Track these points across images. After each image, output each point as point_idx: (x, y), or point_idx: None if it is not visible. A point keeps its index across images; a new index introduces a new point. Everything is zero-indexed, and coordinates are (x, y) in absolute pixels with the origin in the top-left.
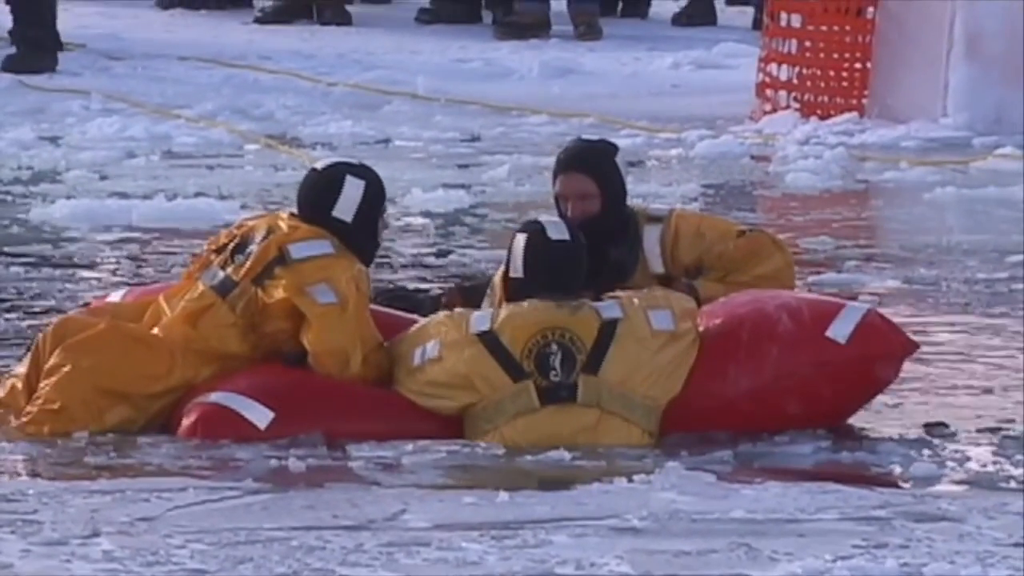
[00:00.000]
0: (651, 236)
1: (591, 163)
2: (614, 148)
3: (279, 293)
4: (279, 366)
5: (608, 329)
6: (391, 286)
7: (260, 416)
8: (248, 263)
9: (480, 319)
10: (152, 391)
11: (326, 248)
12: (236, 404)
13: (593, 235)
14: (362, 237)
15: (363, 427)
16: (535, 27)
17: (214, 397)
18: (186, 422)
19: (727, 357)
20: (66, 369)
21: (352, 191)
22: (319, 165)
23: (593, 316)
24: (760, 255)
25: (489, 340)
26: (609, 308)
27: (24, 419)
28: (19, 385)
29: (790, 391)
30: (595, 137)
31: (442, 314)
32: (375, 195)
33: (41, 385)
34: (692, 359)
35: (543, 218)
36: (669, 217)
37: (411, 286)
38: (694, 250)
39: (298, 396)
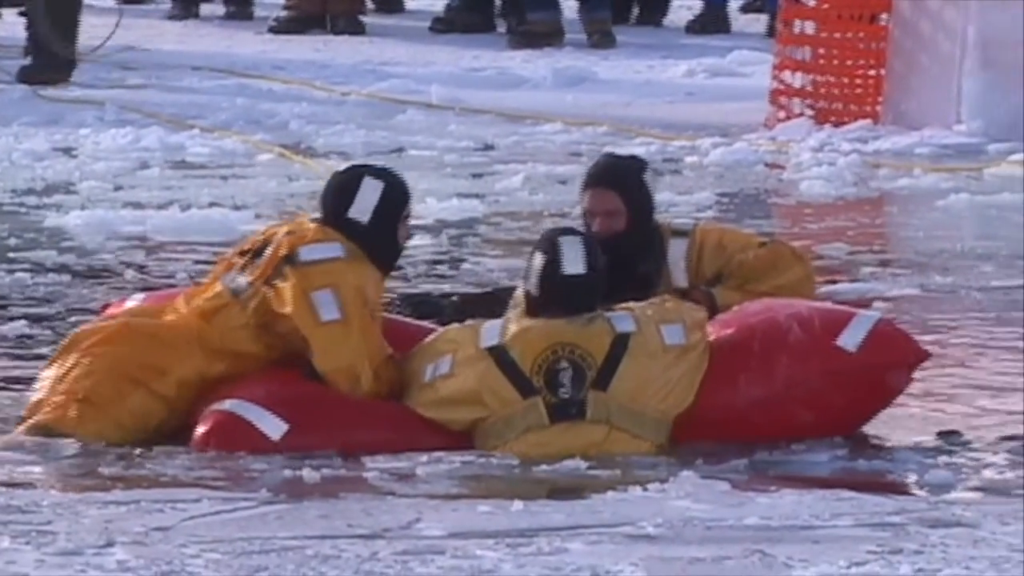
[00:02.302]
0: (676, 251)
1: (619, 180)
2: (642, 164)
3: (286, 296)
4: (298, 375)
5: (620, 343)
6: (416, 292)
7: (274, 428)
8: (262, 265)
9: (490, 333)
10: (167, 380)
11: (336, 252)
12: (250, 414)
13: (619, 251)
14: (380, 240)
15: (376, 440)
16: (548, 36)
17: (228, 405)
18: (200, 430)
19: (738, 366)
20: (86, 361)
21: (370, 192)
22: (343, 167)
23: (605, 330)
24: (779, 266)
25: (499, 355)
26: (622, 321)
27: (48, 411)
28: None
29: (801, 400)
30: (623, 153)
31: (453, 327)
32: (395, 197)
33: (59, 388)
34: (703, 370)
35: (562, 240)
36: (694, 232)
37: (420, 292)
38: (716, 262)
39: (313, 408)
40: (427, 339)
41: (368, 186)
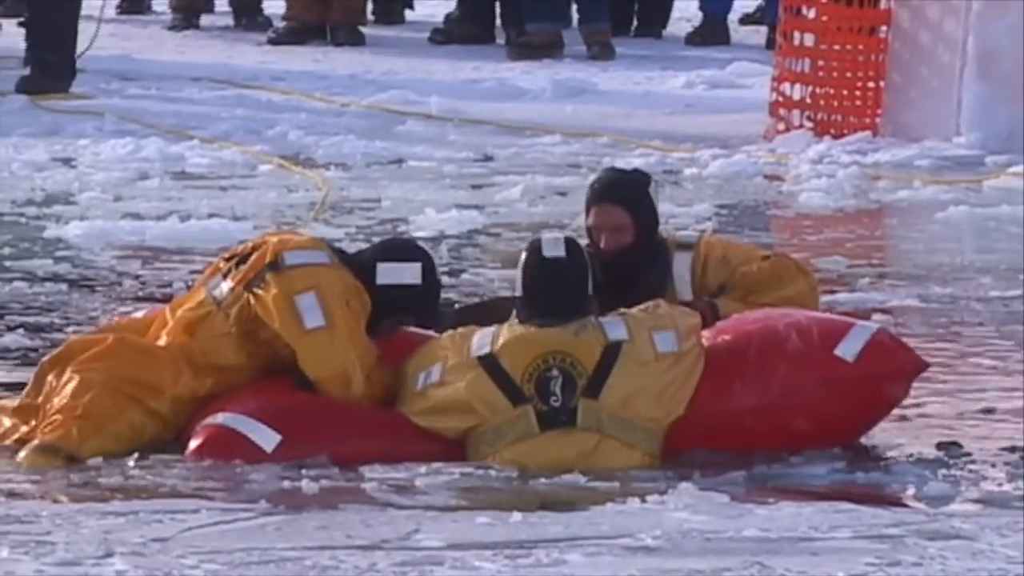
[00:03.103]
0: (681, 264)
1: (625, 195)
2: (647, 178)
3: (268, 305)
4: (290, 386)
5: (612, 352)
6: None
7: (267, 439)
8: (244, 269)
9: (481, 342)
10: (160, 398)
11: (321, 258)
12: (243, 427)
13: (626, 265)
14: (368, 252)
15: (370, 450)
16: (548, 47)
17: (222, 419)
18: (193, 443)
19: (734, 374)
20: (80, 378)
21: (409, 270)
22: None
23: (596, 338)
24: (784, 278)
25: (489, 364)
26: (614, 328)
27: (49, 430)
28: (20, 410)
29: (798, 408)
30: (623, 165)
31: (445, 336)
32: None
33: (53, 403)
34: (696, 377)
35: (545, 234)
36: (698, 244)
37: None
38: (720, 275)
39: (305, 419)
40: (419, 348)
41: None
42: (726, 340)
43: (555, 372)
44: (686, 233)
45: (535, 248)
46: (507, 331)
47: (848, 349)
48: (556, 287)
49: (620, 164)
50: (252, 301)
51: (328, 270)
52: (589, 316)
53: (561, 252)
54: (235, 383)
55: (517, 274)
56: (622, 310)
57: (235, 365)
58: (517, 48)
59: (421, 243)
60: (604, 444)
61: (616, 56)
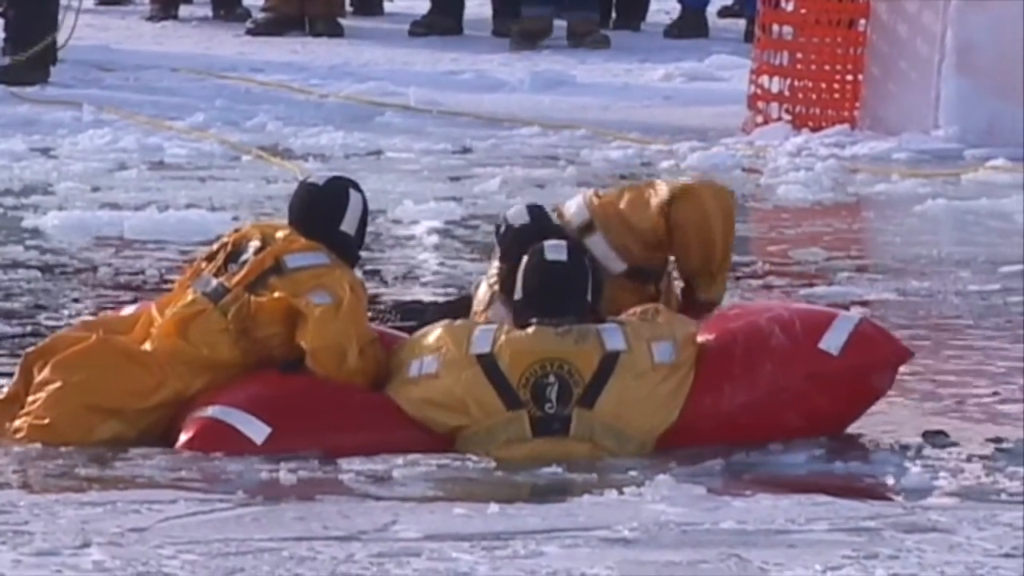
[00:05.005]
0: (597, 247)
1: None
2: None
3: (274, 307)
4: (276, 376)
5: (609, 362)
6: (407, 300)
7: (257, 431)
8: (243, 271)
9: (482, 338)
10: (143, 406)
11: (322, 259)
12: (233, 419)
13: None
14: (357, 249)
15: (361, 440)
16: (544, 33)
17: (211, 411)
18: (184, 436)
19: (723, 374)
20: (56, 385)
21: (356, 205)
22: (316, 180)
23: (595, 347)
24: (679, 223)
25: (487, 364)
26: (613, 338)
27: (14, 435)
28: (6, 402)
29: (786, 404)
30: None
31: (444, 325)
32: (367, 207)
33: (30, 400)
34: (689, 384)
35: (546, 242)
36: (592, 223)
37: (407, 298)
38: (630, 236)
39: (295, 410)
40: (418, 332)
41: (354, 199)
42: (711, 340)
43: (552, 379)
44: (576, 211)
45: (538, 251)
46: (508, 332)
47: (832, 342)
48: (557, 290)
49: (598, 156)
50: (253, 301)
51: (330, 269)
52: (589, 323)
53: (563, 256)
54: (226, 381)
55: (518, 277)
56: (621, 318)
57: (230, 361)
58: (518, 37)
59: (399, 235)
60: (595, 454)
61: (610, 45)
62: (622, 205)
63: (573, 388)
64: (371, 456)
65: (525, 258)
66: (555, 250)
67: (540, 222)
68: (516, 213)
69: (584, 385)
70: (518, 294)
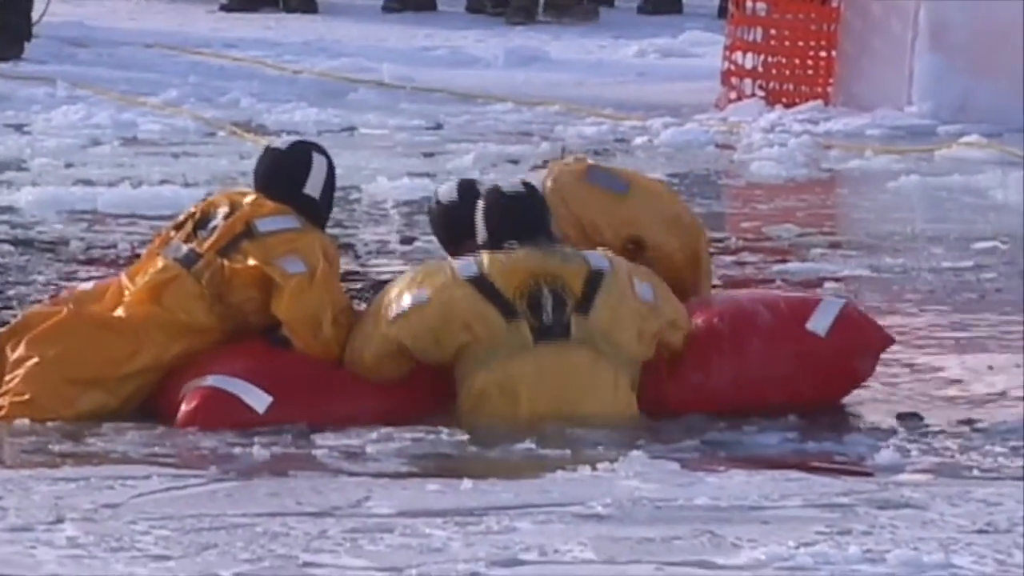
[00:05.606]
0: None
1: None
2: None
3: (248, 272)
4: (268, 347)
5: (595, 279)
6: (384, 278)
7: (259, 400)
8: (213, 236)
9: (466, 266)
10: (122, 373)
11: (292, 223)
12: (235, 388)
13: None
14: (325, 213)
15: (360, 409)
16: (535, 7)
17: (211, 380)
18: (185, 408)
19: (710, 349)
20: (33, 361)
21: (319, 168)
22: (280, 144)
23: (581, 265)
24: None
25: (480, 283)
26: (596, 259)
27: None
28: None
29: (773, 381)
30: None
31: (417, 266)
32: (333, 171)
33: (7, 379)
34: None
35: (500, 183)
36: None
37: (384, 277)
38: (585, 212)
39: (295, 379)
40: (389, 283)
41: (318, 162)
42: (698, 321)
43: (546, 292)
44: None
45: (493, 190)
46: (490, 256)
47: (819, 323)
48: (524, 216)
49: (572, 132)
50: (227, 264)
51: (302, 233)
52: (560, 244)
53: (520, 188)
54: (203, 347)
55: (478, 221)
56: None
57: (205, 326)
58: (514, 13)
59: (372, 211)
60: (599, 363)
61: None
62: (564, 191)
63: (566, 300)
64: (344, 431)
65: (480, 203)
66: (511, 186)
67: (469, 201)
68: (446, 190)
69: (576, 298)
70: (482, 236)
